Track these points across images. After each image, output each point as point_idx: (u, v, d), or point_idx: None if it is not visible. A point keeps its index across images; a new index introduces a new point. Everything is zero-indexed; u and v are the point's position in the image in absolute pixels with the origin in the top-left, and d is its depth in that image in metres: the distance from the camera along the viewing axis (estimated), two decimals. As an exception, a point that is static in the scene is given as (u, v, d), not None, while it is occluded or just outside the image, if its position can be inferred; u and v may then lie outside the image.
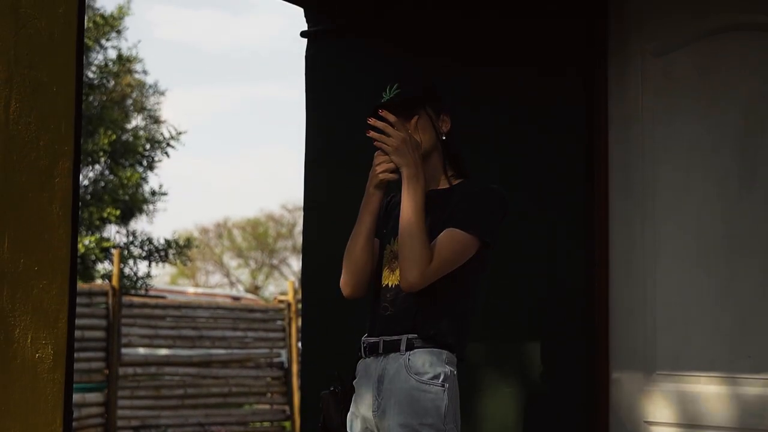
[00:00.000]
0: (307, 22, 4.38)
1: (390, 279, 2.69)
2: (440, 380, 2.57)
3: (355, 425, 2.68)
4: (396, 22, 4.15)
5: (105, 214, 14.12)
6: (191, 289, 20.61)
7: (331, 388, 2.76)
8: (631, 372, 3.59)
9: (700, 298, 3.48)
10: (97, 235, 14.01)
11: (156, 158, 15.60)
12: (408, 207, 2.59)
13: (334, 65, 4.28)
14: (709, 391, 3.44)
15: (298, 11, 4.41)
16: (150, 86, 17.10)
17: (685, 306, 3.51)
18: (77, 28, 2.28)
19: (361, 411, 2.66)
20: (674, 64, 3.60)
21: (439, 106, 2.72)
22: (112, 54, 15.64)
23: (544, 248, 3.73)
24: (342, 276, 2.75)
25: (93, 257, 13.61)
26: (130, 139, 15.42)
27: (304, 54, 4.34)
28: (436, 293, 2.61)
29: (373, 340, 2.67)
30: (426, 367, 2.57)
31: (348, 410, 2.71)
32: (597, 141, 3.69)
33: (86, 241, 13.40)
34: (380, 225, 2.78)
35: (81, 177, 14.07)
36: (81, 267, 13.36)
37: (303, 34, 4.37)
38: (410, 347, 2.59)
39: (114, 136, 14.43)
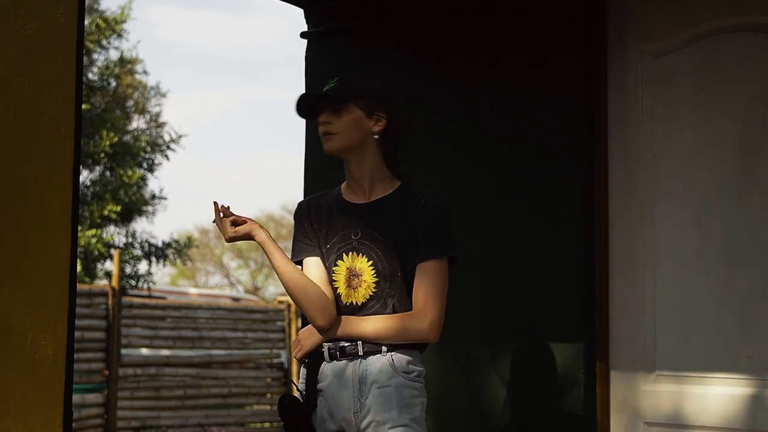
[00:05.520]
0: (307, 23, 4.38)
1: (353, 297, 2.67)
2: (421, 377, 2.66)
3: (329, 428, 2.64)
4: (396, 22, 4.15)
5: (106, 212, 14.12)
6: (193, 290, 20.60)
7: (290, 397, 2.69)
8: (631, 372, 3.59)
9: (700, 299, 3.48)
10: (99, 231, 14.02)
11: (156, 161, 15.62)
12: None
13: (334, 66, 4.27)
14: (709, 391, 3.44)
15: (300, 13, 4.41)
16: (152, 88, 17.13)
17: (685, 306, 3.51)
18: (77, 28, 2.27)
19: (337, 414, 2.63)
20: (674, 66, 3.60)
21: (372, 105, 2.71)
22: (114, 56, 15.67)
23: (544, 249, 3.73)
24: (312, 317, 2.67)
25: (96, 253, 13.61)
26: (131, 141, 15.43)
27: (304, 55, 4.34)
28: (410, 305, 2.66)
29: (347, 343, 2.65)
30: (410, 365, 2.64)
31: (310, 416, 2.66)
32: (596, 143, 3.69)
33: (88, 236, 13.40)
34: (314, 243, 2.74)
35: (82, 178, 14.08)
36: (84, 265, 13.37)
37: (303, 35, 4.36)
38: (392, 348, 2.63)
39: (116, 139, 14.43)
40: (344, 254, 2.69)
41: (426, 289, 2.63)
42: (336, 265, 2.70)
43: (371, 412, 2.59)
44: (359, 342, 2.64)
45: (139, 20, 32.37)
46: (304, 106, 2.74)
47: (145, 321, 10.41)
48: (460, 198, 3.66)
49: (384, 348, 2.63)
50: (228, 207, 2.75)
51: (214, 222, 2.76)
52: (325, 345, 2.68)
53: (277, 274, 2.71)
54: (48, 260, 2.18)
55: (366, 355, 2.63)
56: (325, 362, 2.68)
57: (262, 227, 2.73)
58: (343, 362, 2.65)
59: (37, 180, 2.17)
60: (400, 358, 2.62)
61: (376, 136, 2.71)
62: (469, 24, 3.96)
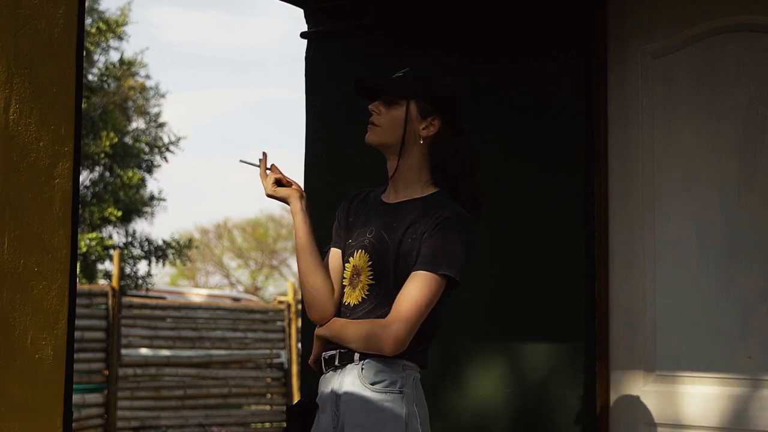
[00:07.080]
0: (306, 23, 4.38)
1: (351, 297, 2.56)
2: (397, 387, 2.46)
3: None
4: (396, 21, 4.15)
5: (106, 214, 14.12)
6: (194, 290, 20.59)
7: (293, 406, 2.61)
8: (631, 372, 3.59)
9: (700, 299, 3.48)
10: (98, 234, 14.01)
11: (155, 163, 15.61)
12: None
13: (333, 66, 4.28)
14: (709, 391, 3.44)
15: (300, 13, 4.40)
16: (151, 88, 17.12)
17: (685, 306, 3.51)
18: (77, 28, 2.27)
19: (320, 427, 2.53)
20: (674, 66, 3.60)
21: (429, 108, 2.56)
22: (115, 57, 15.67)
23: (544, 248, 3.73)
24: (307, 306, 2.59)
25: (94, 256, 13.60)
26: (131, 142, 15.43)
27: (304, 55, 4.34)
28: None
29: (330, 353, 2.55)
30: (380, 375, 2.46)
31: (310, 427, 2.58)
32: (596, 143, 3.69)
33: (87, 239, 13.39)
34: (341, 235, 2.66)
35: (82, 178, 14.08)
36: (83, 265, 13.36)
37: (303, 35, 4.36)
38: (364, 356, 2.48)
39: (116, 139, 14.43)
40: (355, 251, 2.58)
41: (402, 298, 2.44)
42: (348, 262, 2.60)
43: (344, 428, 2.46)
44: (338, 351, 2.53)
45: (139, 21, 32.42)
46: (362, 85, 2.62)
47: (145, 321, 10.40)
48: (460, 198, 3.66)
49: (357, 357, 2.48)
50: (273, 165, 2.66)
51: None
52: (322, 355, 2.59)
53: (296, 251, 2.62)
54: (48, 260, 2.18)
55: (342, 365, 2.51)
56: (322, 374, 2.60)
57: (302, 197, 2.62)
58: (330, 373, 2.56)
59: (38, 180, 2.17)
60: (370, 367, 2.46)
61: (421, 141, 2.57)
62: (469, 24, 3.96)
